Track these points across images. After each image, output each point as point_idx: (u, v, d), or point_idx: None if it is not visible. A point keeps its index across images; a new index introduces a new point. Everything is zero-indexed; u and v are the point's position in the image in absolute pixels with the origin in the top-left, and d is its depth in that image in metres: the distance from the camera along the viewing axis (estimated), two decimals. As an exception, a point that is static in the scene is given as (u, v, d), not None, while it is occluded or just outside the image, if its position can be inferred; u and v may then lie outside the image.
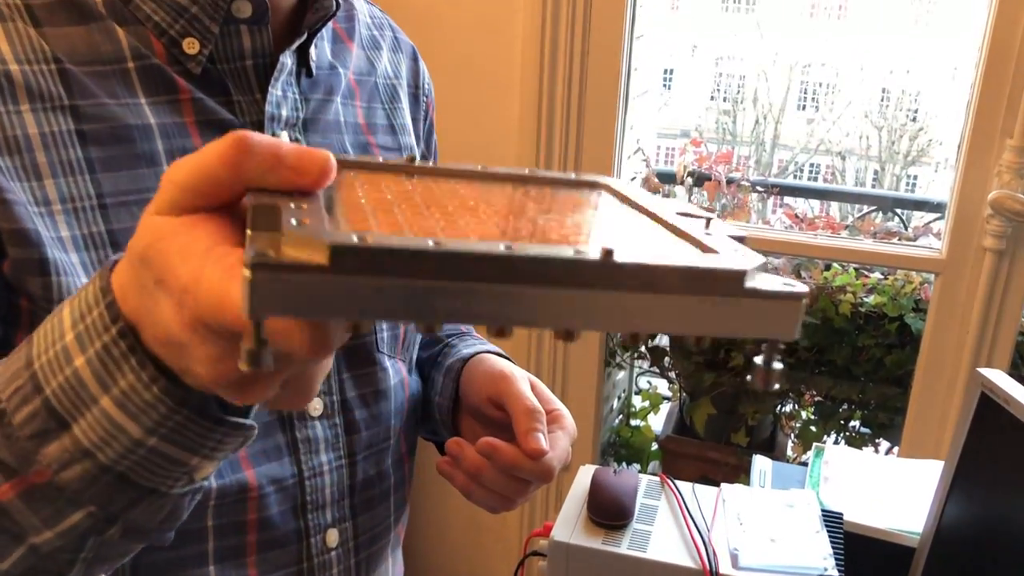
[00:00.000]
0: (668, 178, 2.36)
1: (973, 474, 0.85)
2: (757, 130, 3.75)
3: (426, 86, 0.87)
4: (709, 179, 2.30)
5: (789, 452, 2.39)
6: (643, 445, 2.43)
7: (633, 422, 2.56)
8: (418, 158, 0.81)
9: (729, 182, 2.30)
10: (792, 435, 2.42)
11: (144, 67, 0.61)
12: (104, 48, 0.60)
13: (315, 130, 0.70)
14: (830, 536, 0.84)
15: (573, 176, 0.50)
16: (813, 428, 2.29)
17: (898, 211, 2.55)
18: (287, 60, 0.66)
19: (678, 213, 0.43)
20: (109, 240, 0.58)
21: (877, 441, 2.26)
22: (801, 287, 0.35)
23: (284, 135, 0.67)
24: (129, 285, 0.41)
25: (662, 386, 2.61)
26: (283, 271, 0.30)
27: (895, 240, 2.02)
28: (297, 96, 0.69)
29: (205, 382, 0.39)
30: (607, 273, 0.32)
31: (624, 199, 0.47)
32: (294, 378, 0.41)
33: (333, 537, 0.72)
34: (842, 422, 2.26)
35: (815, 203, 2.75)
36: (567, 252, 0.32)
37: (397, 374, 0.77)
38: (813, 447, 1.14)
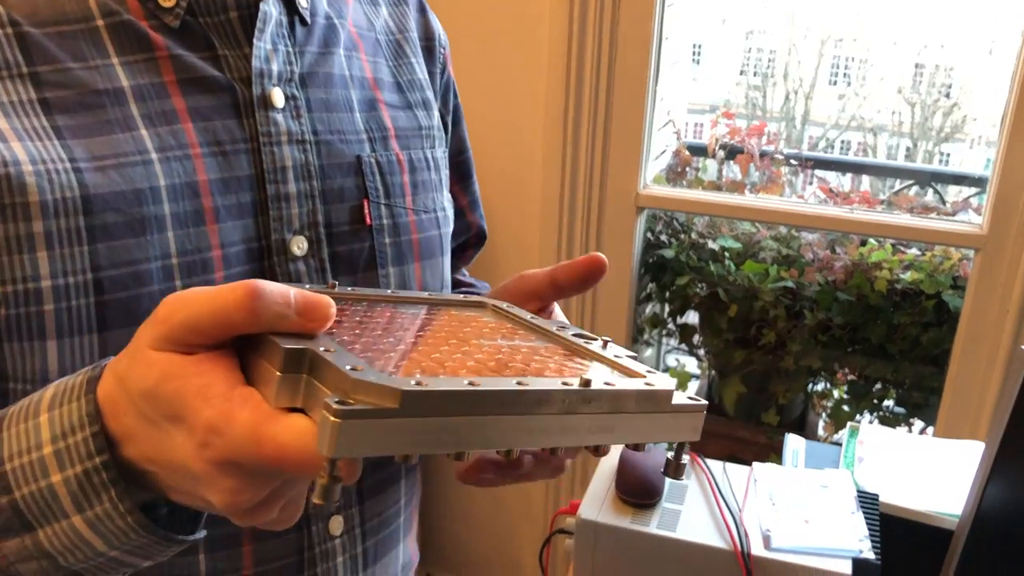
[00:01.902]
0: (699, 151, 2.31)
1: (1016, 455, 0.82)
2: (787, 106, 3.69)
3: (441, 38, 0.81)
4: (741, 152, 2.25)
5: (820, 432, 2.35)
6: (671, 423, 2.41)
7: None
8: (435, 116, 0.77)
9: (762, 155, 2.25)
10: (824, 415, 2.38)
11: (115, 24, 0.57)
12: (69, 6, 0.56)
13: (315, 84, 0.65)
14: (866, 518, 0.81)
15: (461, 296, 0.59)
16: (846, 408, 2.25)
17: (935, 185, 2.49)
18: (270, 8, 0.62)
19: (574, 335, 0.53)
20: (84, 207, 0.53)
21: (911, 421, 2.22)
22: (702, 400, 0.47)
23: (277, 92, 0.62)
24: (125, 413, 0.42)
25: (691, 364, 2.58)
26: (363, 417, 0.35)
27: (933, 215, 1.97)
28: (290, 49, 0.64)
29: (216, 508, 0.41)
30: (585, 398, 0.42)
31: (511, 318, 0.57)
32: (288, 500, 0.44)
33: (337, 524, 0.68)
34: (875, 402, 2.22)
35: (848, 179, 2.69)
36: (559, 387, 0.41)
37: None
38: (847, 426, 1.11)
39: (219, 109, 0.60)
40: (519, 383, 0.39)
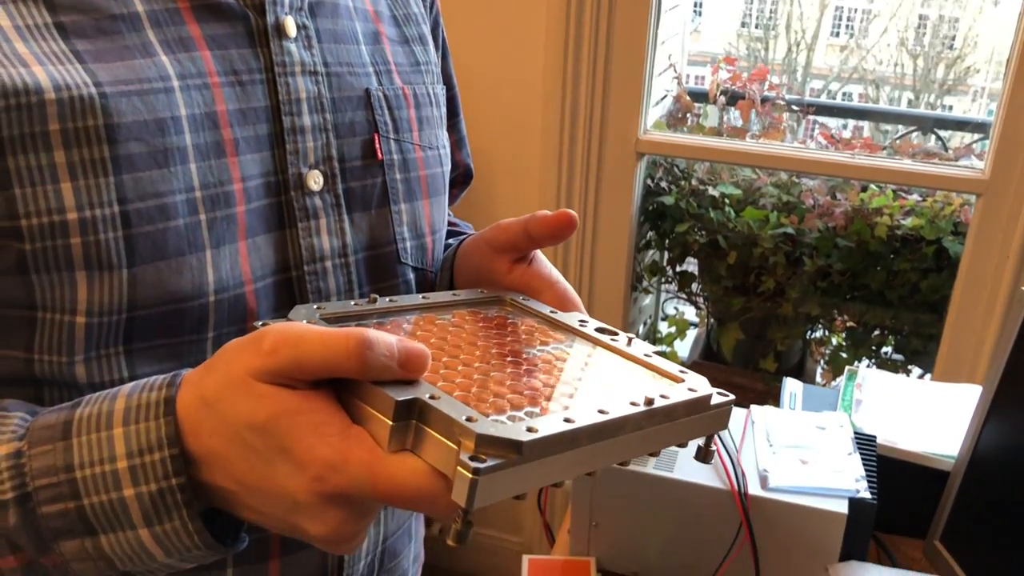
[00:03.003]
0: (700, 97, 2.29)
1: (1013, 398, 0.82)
2: (789, 58, 3.65)
3: None
4: (743, 98, 2.22)
5: (818, 379, 2.36)
6: (670, 370, 2.42)
7: (659, 347, 2.55)
8: (431, 52, 0.76)
9: (763, 101, 2.23)
10: (822, 361, 2.39)
11: None
12: None
13: (324, 15, 0.65)
14: (863, 459, 0.81)
15: (483, 292, 0.62)
16: (844, 354, 2.25)
17: (938, 131, 2.47)
18: None
19: (597, 329, 0.57)
20: (107, 136, 0.52)
21: (909, 368, 2.23)
22: (730, 395, 0.52)
23: (290, 20, 0.61)
24: (212, 435, 0.44)
25: (689, 312, 2.58)
26: (493, 471, 0.39)
27: (935, 160, 1.95)
28: None
29: (311, 536, 0.44)
30: (651, 415, 0.47)
31: (532, 314, 0.60)
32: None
33: None
34: (874, 348, 2.23)
35: (849, 130, 2.67)
36: (632, 409, 0.46)
37: (421, 287, 0.73)
38: (845, 370, 1.11)
39: (234, 37, 0.59)
40: (600, 411, 0.45)
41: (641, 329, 2.49)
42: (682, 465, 0.80)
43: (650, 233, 2.28)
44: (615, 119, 1.87)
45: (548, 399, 0.47)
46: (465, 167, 0.90)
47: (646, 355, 0.55)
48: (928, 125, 2.49)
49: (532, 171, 1.94)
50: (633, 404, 0.46)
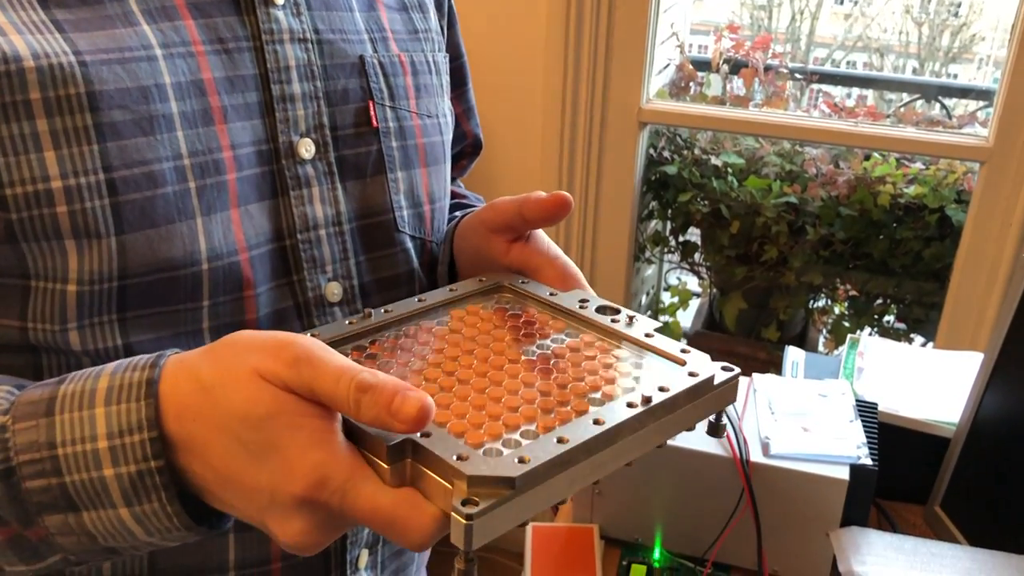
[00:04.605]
0: (703, 65, 2.27)
1: (1014, 365, 0.82)
2: (792, 26, 3.62)
3: None
4: (746, 66, 2.21)
5: (820, 348, 2.37)
6: (672, 340, 2.42)
7: (662, 318, 2.55)
8: (432, 19, 0.75)
9: (767, 69, 2.21)
10: (824, 331, 2.40)
11: None
12: None
13: None
14: (864, 426, 0.82)
15: (482, 280, 0.61)
16: (846, 323, 2.26)
17: (941, 100, 2.45)
18: None
19: (597, 308, 0.57)
20: (89, 104, 0.52)
21: (912, 336, 2.23)
22: (735, 367, 0.51)
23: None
24: (197, 420, 0.44)
25: (692, 282, 2.58)
26: (487, 512, 0.39)
27: (939, 128, 1.94)
28: None
29: (279, 539, 0.44)
30: (651, 413, 0.46)
31: (531, 298, 0.59)
32: None
33: (363, 558, 0.69)
34: (876, 317, 2.23)
35: (853, 100, 2.65)
36: (629, 412, 0.46)
37: (421, 256, 0.72)
38: (847, 338, 1.11)
39: (219, 5, 0.59)
40: (595, 421, 0.44)
41: (644, 300, 2.49)
42: (684, 433, 0.80)
43: (652, 203, 2.27)
44: (617, 88, 1.86)
45: (545, 410, 0.46)
46: (474, 137, 0.89)
47: (647, 335, 0.54)
48: (932, 93, 2.47)
49: (534, 141, 1.93)
50: (631, 406, 0.46)
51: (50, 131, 0.51)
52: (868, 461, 0.77)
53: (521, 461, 0.41)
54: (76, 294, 0.53)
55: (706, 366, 0.51)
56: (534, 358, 0.52)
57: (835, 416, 0.83)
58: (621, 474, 0.82)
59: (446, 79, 0.76)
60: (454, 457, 0.41)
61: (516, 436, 0.44)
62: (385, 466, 0.42)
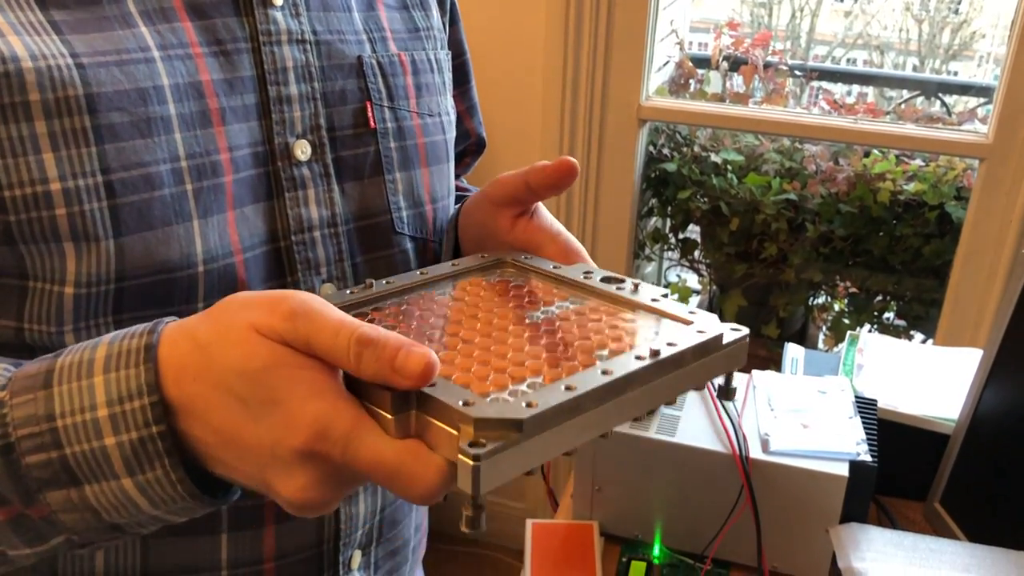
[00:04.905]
0: (703, 63, 2.27)
1: (1014, 361, 0.82)
2: (793, 23, 3.61)
3: None
4: (745, 63, 2.21)
5: (820, 345, 2.37)
6: (672, 337, 2.42)
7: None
8: (434, 16, 0.74)
9: (766, 67, 2.21)
10: (824, 328, 2.40)
11: None
12: None
13: None
14: (864, 422, 0.82)
15: (484, 256, 0.61)
16: (846, 320, 2.26)
17: (941, 96, 2.45)
18: None
19: (602, 279, 0.56)
20: (88, 106, 0.52)
21: (911, 333, 2.23)
22: (743, 328, 0.51)
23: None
24: (196, 380, 0.43)
25: (691, 280, 2.58)
26: (495, 454, 0.38)
27: (939, 125, 1.94)
28: None
29: (283, 497, 0.42)
30: (660, 367, 0.46)
31: (535, 272, 0.59)
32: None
33: (356, 558, 0.69)
34: (876, 314, 2.23)
35: (853, 97, 2.65)
36: (638, 364, 0.45)
37: (422, 256, 0.72)
38: (847, 335, 1.12)
39: (216, 6, 0.58)
40: (604, 371, 0.44)
41: (643, 297, 2.49)
42: (684, 429, 0.80)
43: (652, 200, 2.27)
44: (617, 85, 1.86)
45: (552, 365, 0.46)
46: (477, 136, 0.88)
47: (653, 300, 0.53)
48: (932, 90, 2.47)
49: (533, 138, 1.93)
50: (639, 358, 0.45)
51: (49, 133, 0.51)
52: (867, 458, 0.77)
53: (529, 406, 0.40)
54: (73, 296, 0.53)
55: (714, 325, 0.50)
56: (539, 322, 0.51)
57: (835, 413, 0.83)
58: (621, 471, 0.82)
59: (448, 77, 0.76)
60: (460, 403, 0.40)
61: (523, 387, 0.43)
62: (389, 416, 0.41)
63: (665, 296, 0.54)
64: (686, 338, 0.48)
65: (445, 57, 0.75)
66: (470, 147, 0.89)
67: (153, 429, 0.43)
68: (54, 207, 0.51)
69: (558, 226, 0.64)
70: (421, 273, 0.57)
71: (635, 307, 0.53)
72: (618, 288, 0.55)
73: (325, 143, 0.63)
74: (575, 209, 2.00)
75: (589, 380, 0.43)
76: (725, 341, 0.50)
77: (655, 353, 0.46)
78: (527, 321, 0.51)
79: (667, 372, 0.47)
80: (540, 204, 0.65)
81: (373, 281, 0.55)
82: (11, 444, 0.45)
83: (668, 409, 0.84)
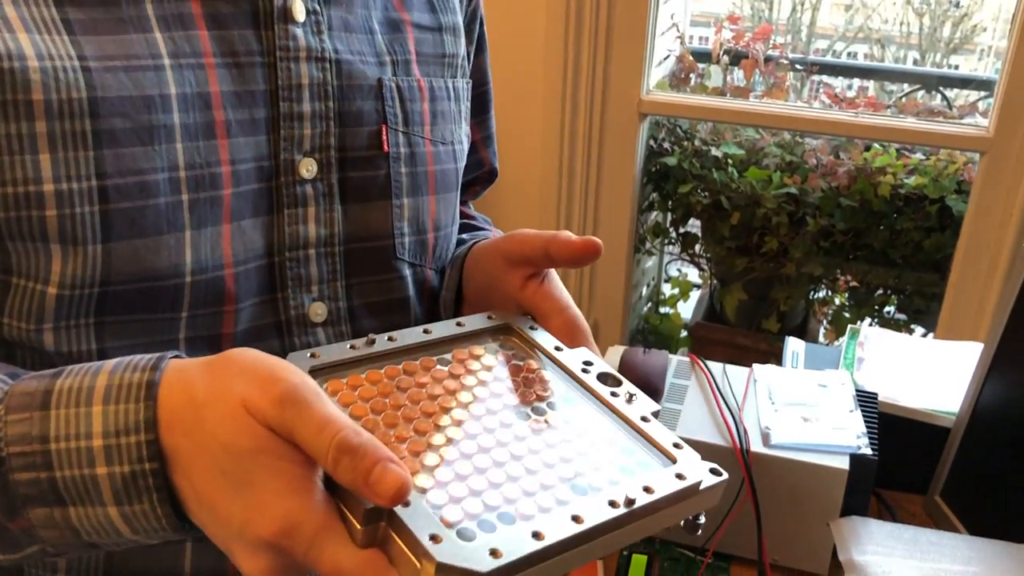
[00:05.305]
0: (703, 57, 2.27)
1: (1014, 354, 0.82)
2: (793, 17, 3.61)
3: None
4: (746, 57, 2.20)
5: (821, 339, 2.37)
6: (672, 332, 2.43)
7: (662, 310, 2.55)
8: (462, 44, 0.73)
9: (767, 60, 2.21)
10: (824, 321, 2.40)
11: None
12: None
13: (338, 2, 0.63)
14: (864, 416, 0.82)
15: (490, 318, 0.59)
16: (846, 314, 2.26)
17: (942, 90, 2.45)
18: None
19: (599, 376, 0.55)
20: (90, 110, 0.51)
21: (912, 327, 2.23)
22: (723, 472, 0.50)
23: (299, 4, 0.59)
24: (187, 436, 0.43)
25: (692, 274, 2.58)
26: None
27: (939, 119, 1.94)
28: None
29: (245, 572, 0.43)
30: (631, 516, 0.45)
31: (533, 347, 0.58)
32: None
33: None
34: (876, 308, 2.23)
35: (854, 89, 2.65)
36: (610, 513, 0.45)
37: (419, 283, 0.70)
38: (848, 329, 1.12)
39: (236, 18, 0.58)
40: (574, 517, 0.44)
41: (644, 291, 2.49)
42: (684, 422, 0.80)
43: (653, 195, 2.27)
44: (617, 80, 1.86)
45: (527, 492, 0.45)
46: (490, 166, 0.86)
47: (643, 418, 0.52)
48: (933, 83, 2.47)
49: (534, 133, 1.93)
50: (612, 505, 0.45)
51: (48, 134, 0.50)
52: (868, 451, 0.77)
53: (493, 554, 0.40)
54: (56, 297, 0.53)
55: (696, 469, 0.49)
56: (527, 422, 0.51)
57: (835, 406, 0.83)
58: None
59: (466, 106, 0.75)
60: (427, 536, 0.40)
61: (493, 518, 0.43)
62: (358, 527, 0.41)
63: (656, 415, 0.53)
64: (664, 484, 0.47)
65: (464, 86, 0.74)
66: (481, 176, 0.87)
67: (146, 466, 0.44)
68: (44, 208, 0.51)
69: (567, 298, 0.62)
70: (424, 331, 0.56)
71: (624, 421, 0.53)
72: (612, 394, 0.54)
73: (333, 163, 0.62)
74: (576, 203, 2.00)
75: (559, 527, 0.43)
76: (703, 487, 0.49)
77: (630, 502, 0.45)
78: (516, 421, 0.51)
79: (638, 519, 0.46)
80: (552, 270, 0.63)
81: (375, 337, 0.54)
82: (1, 459, 0.45)
83: (669, 403, 0.84)
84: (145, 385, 0.44)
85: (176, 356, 0.47)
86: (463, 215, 0.85)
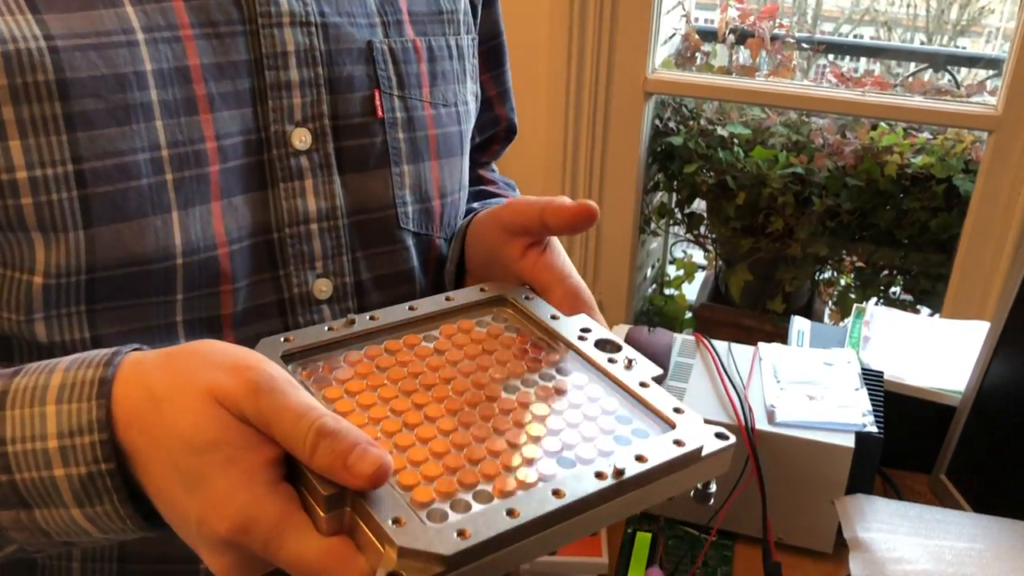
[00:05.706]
0: (709, 36, 2.25)
1: (1021, 334, 0.82)
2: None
3: None
4: (752, 36, 2.19)
5: (827, 319, 2.37)
6: (677, 313, 2.43)
7: (667, 291, 2.55)
8: (459, 1, 0.70)
9: (773, 39, 2.19)
10: (830, 302, 2.39)
11: None
12: None
13: None
14: (870, 394, 0.82)
15: (483, 290, 0.57)
16: (852, 295, 2.25)
17: (950, 69, 2.43)
18: None
19: (597, 343, 0.52)
20: (59, 92, 0.49)
21: (918, 308, 2.23)
22: (730, 435, 0.45)
23: None
24: (145, 432, 0.42)
25: (697, 255, 2.57)
26: None
27: (947, 98, 1.93)
28: None
29: (208, 565, 0.42)
30: (621, 487, 0.42)
31: (528, 318, 0.55)
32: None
33: None
34: (882, 289, 2.22)
35: (860, 68, 2.63)
36: (596, 485, 0.41)
37: (424, 253, 0.68)
38: (853, 308, 1.11)
39: None
40: (555, 491, 0.41)
41: (649, 272, 2.49)
42: (689, 401, 0.80)
43: (658, 175, 2.26)
44: (623, 58, 1.84)
45: (507, 467, 0.43)
46: (508, 121, 0.83)
47: (642, 384, 0.49)
48: (940, 62, 2.45)
49: (539, 112, 1.92)
50: (599, 477, 0.42)
51: (16, 119, 0.49)
52: (873, 429, 0.77)
53: (460, 535, 0.38)
54: (43, 286, 0.52)
55: (696, 434, 0.45)
56: (513, 397, 0.48)
57: (841, 384, 0.83)
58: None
59: (472, 64, 0.72)
60: (390, 521, 0.38)
61: (468, 497, 0.41)
62: (321, 515, 0.40)
63: (657, 380, 0.50)
64: (659, 452, 0.44)
65: (470, 43, 0.71)
66: (499, 134, 0.84)
67: (102, 466, 0.42)
68: (20, 196, 0.49)
69: (569, 268, 0.59)
70: (410, 308, 0.55)
71: (621, 387, 0.50)
72: (610, 360, 0.51)
73: (327, 132, 0.60)
74: (580, 183, 1.99)
75: (536, 503, 0.40)
76: (705, 453, 0.45)
77: (619, 473, 0.42)
78: (502, 395, 0.48)
79: (630, 491, 0.43)
80: (554, 238, 0.61)
81: (355, 317, 0.52)
82: None
83: (673, 381, 0.84)
84: (98, 382, 0.43)
85: (137, 349, 0.45)
86: (482, 179, 0.82)
